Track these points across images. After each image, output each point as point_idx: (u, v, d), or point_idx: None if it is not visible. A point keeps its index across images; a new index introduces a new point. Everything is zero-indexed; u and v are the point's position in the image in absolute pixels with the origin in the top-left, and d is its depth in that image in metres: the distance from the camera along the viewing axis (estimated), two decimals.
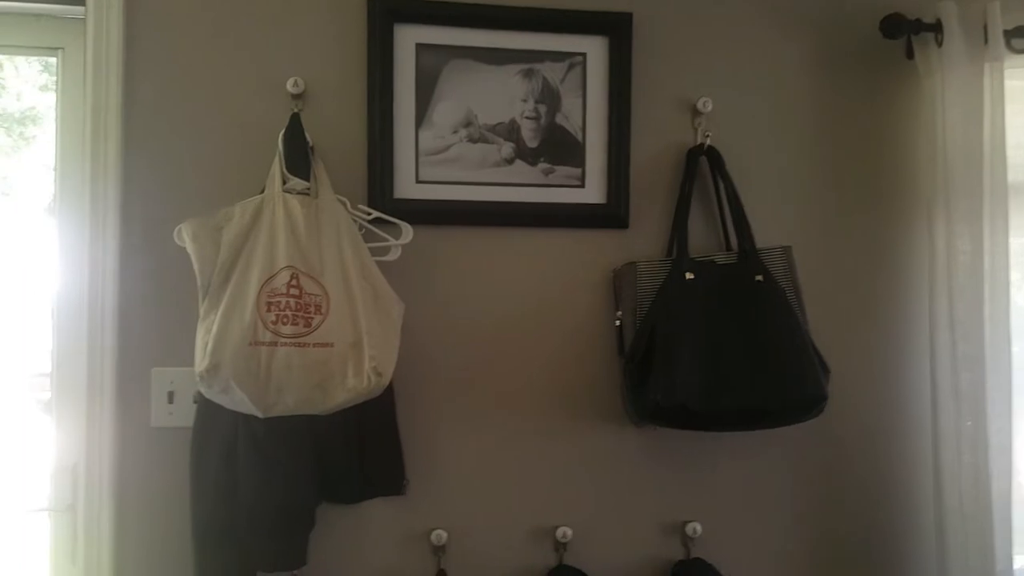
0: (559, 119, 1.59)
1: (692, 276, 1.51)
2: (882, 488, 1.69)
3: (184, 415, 1.44)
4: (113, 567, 1.45)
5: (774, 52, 1.67)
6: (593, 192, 1.60)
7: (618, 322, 1.57)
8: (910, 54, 1.65)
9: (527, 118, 1.58)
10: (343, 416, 1.35)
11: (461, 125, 1.56)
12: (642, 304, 1.53)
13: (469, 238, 1.57)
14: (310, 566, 1.44)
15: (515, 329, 1.58)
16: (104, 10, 1.45)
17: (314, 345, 1.28)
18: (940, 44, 1.59)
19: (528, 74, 1.58)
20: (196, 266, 1.30)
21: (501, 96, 1.57)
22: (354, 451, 1.45)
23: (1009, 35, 1.60)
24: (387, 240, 1.45)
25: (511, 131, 1.58)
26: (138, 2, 1.47)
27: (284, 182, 1.36)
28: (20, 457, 1.71)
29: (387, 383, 1.31)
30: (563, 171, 1.59)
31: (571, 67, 1.59)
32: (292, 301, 1.29)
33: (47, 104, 1.58)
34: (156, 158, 1.48)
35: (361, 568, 1.52)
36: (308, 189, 1.37)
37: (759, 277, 1.52)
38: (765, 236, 1.59)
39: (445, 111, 1.56)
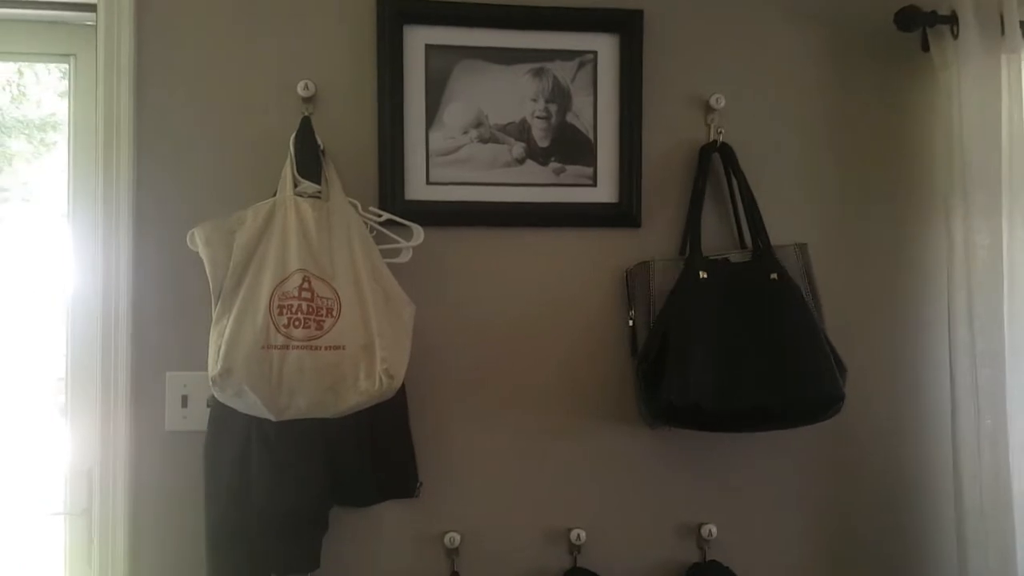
0: (570, 118, 1.58)
1: (706, 275, 1.50)
2: (900, 488, 1.67)
3: (198, 419, 1.45)
4: (128, 570, 1.45)
5: (787, 47, 1.65)
6: (605, 191, 1.59)
7: (631, 322, 1.56)
8: (925, 47, 1.62)
9: (538, 118, 1.57)
10: (355, 419, 1.35)
11: (471, 126, 1.56)
12: (655, 304, 1.52)
13: (480, 239, 1.56)
14: (323, 569, 1.44)
15: (527, 330, 1.57)
16: (115, 16, 1.45)
17: (326, 348, 1.28)
18: (956, 36, 1.57)
19: (538, 73, 1.57)
20: (208, 270, 1.30)
21: (511, 96, 1.56)
22: (367, 454, 1.45)
23: None
24: (398, 242, 1.45)
25: (522, 131, 1.57)
26: (148, 8, 1.47)
27: (296, 185, 1.36)
28: (36, 461, 1.72)
29: (399, 385, 1.31)
30: (574, 170, 1.58)
31: (581, 66, 1.58)
32: (304, 304, 1.29)
33: (67, 110, 1.59)
34: (168, 163, 1.48)
35: (375, 571, 1.52)
36: (319, 192, 1.37)
37: (774, 275, 1.50)
38: (780, 233, 1.57)
39: (455, 112, 1.55)
